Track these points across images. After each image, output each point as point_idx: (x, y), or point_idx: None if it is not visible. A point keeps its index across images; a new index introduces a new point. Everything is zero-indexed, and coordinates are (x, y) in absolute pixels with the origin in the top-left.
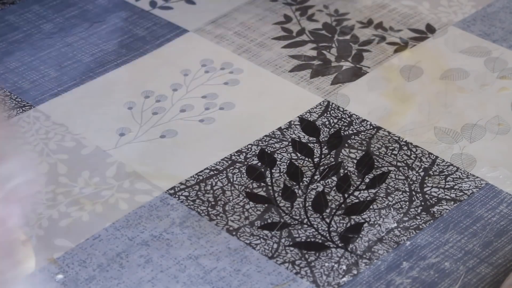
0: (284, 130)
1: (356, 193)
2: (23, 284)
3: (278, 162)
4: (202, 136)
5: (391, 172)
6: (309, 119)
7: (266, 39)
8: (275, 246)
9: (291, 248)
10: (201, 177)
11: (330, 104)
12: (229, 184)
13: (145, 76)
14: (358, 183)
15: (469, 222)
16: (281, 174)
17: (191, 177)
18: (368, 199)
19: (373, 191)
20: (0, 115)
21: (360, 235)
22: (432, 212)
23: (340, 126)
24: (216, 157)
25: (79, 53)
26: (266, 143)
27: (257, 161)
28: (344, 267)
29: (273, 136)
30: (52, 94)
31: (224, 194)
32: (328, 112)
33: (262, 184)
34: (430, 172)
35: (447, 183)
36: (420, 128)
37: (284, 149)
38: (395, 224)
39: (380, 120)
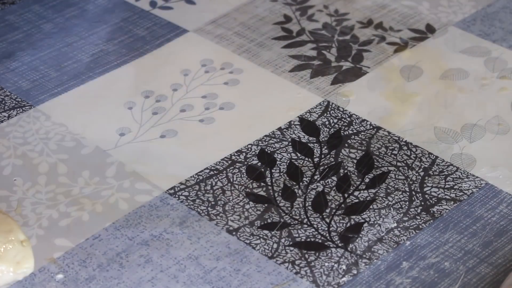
0: (284, 130)
1: (356, 193)
2: (23, 284)
3: (278, 162)
4: (202, 136)
5: (391, 172)
6: (309, 119)
7: (266, 39)
8: (275, 246)
9: (291, 248)
10: (201, 177)
11: (330, 104)
12: (229, 184)
13: (145, 76)
14: (358, 183)
15: (469, 222)
16: (281, 174)
17: (191, 177)
18: (368, 199)
19: (373, 191)
20: None
21: (360, 235)
22: (432, 212)
23: (340, 126)
24: (216, 157)
25: (79, 53)
26: (266, 143)
27: (257, 161)
28: (344, 267)
29: (273, 136)
30: (52, 94)
31: (224, 194)
32: (328, 112)
33: (262, 184)
34: (430, 172)
35: (447, 183)
36: (420, 128)
37: (284, 149)
38: (395, 224)
39: (380, 120)
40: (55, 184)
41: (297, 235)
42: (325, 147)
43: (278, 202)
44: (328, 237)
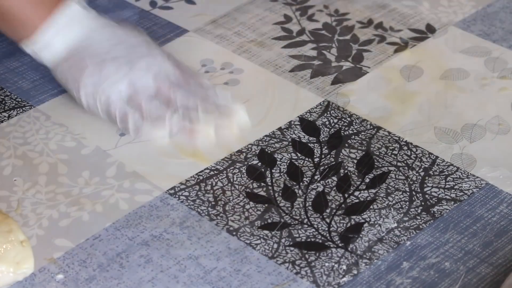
0: (284, 130)
1: (356, 193)
2: (23, 284)
3: (278, 162)
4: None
5: (391, 172)
6: (309, 119)
7: (266, 39)
8: (275, 246)
9: (291, 248)
10: (201, 177)
11: (330, 104)
12: (229, 184)
13: None
14: (358, 183)
15: (469, 222)
16: (281, 174)
17: (191, 177)
18: (368, 199)
19: (373, 191)
20: None
21: (360, 235)
22: (432, 212)
23: (340, 126)
24: (216, 157)
25: None
26: (266, 143)
27: (257, 161)
28: (344, 267)
29: (273, 136)
30: (52, 94)
31: (224, 194)
32: (328, 112)
33: (262, 184)
34: (430, 172)
35: (447, 183)
36: (420, 128)
37: (284, 149)
38: (395, 224)
39: (380, 120)
40: (55, 184)
41: (297, 235)
42: (325, 147)
43: (278, 202)
44: (329, 237)
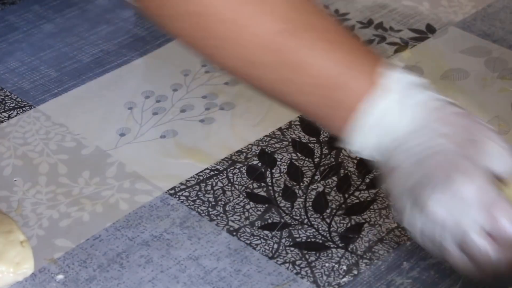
0: (284, 130)
1: (356, 193)
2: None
3: (278, 162)
4: (202, 136)
5: None
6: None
7: None
8: (276, 246)
9: (292, 248)
10: (201, 177)
11: None
12: (230, 184)
13: (145, 76)
14: (359, 183)
15: None
16: (282, 174)
17: (191, 177)
18: (368, 199)
19: (374, 191)
20: None
21: (361, 235)
22: None
23: None
24: (216, 157)
25: (79, 53)
26: (266, 143)
27: (258, 161)
28: (344, 267)
29: (273, 136)
30: (52, 94)
31: (224, 194)
32: None
33: (263, 184)
34: None
35: None
36: None
37: (284, 149)
38: (396, 224)
39: None
40: (55, 184)
41: (297, 236)
42: (326, 147)
43: (278, 202)
44: (329, 238)
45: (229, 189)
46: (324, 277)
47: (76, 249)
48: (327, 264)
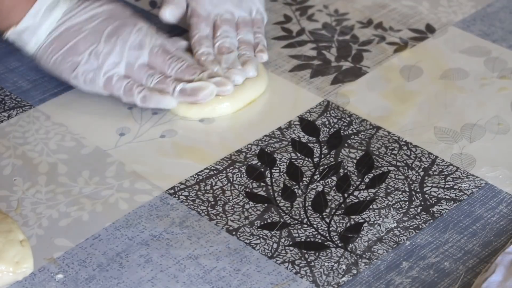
0: (284, 130)
1: (356, 193)
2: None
3: (278, 162)
4: (202, 136)
5: (391, 172)
6: (308, 119)
7: (266, 39)
8: (275, 246)
9: (291, 248)
10: (201, 177)
11: (330, 104)
12: (229, 184)
13: None
14: (358, 183)
15: (469, 222)
16: (281, 174)
17: (190, 177)
18: (368, 199)
19: (373, 191)
20: None
21: (360, 235)
22: (431, 212)
23: (340, 126)
24: (216, 157)
25: None
26: (266, 143)
27: (257, 161)
28: (343, 266)
29: (273, 136)
30: (52, 94)
31: (224, 194)
32: (328, 112)
33: (262, 184)
34: (430, 172)
35: (446, 183)
36: (420, 128)
37: (284, 148)
38: (395, 224)
39: (379, 120)
40: (55, 184)
41: (297, 235)
42: (325, 147)
43: (278, 202)
44: (328, 237)
45: (229, 189)
46: (324, 277)
47: (76, 249)
48: (326, 264)
